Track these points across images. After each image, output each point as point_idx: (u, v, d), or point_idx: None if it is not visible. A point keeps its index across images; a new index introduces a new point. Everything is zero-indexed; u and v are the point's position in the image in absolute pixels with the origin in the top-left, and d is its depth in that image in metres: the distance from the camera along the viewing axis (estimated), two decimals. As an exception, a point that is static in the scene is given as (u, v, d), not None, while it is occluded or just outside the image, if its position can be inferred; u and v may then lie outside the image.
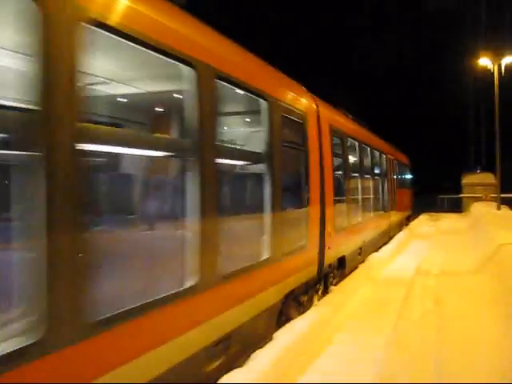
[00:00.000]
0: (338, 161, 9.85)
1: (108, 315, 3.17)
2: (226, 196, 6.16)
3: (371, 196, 13.32)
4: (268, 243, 5.88)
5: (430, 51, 57.26)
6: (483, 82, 28.45)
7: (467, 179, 36.59)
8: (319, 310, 7.05)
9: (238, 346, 5.04)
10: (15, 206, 3.01)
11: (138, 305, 3.46)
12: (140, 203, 5.54)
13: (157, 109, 6.70)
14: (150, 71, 5.19)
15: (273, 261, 5.93)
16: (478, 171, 40.67)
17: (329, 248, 8.41)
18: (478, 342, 5.77)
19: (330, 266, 8.85)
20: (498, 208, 23.00)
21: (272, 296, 6.03)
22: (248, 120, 8.20)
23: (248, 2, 45.88)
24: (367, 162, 12.56)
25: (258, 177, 6.03)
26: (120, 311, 3.29)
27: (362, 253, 11.72)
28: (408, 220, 23.20)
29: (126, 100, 6.09)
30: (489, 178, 34.20)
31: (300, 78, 8.01)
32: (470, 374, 4.92)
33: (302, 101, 7.55)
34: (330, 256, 8.69)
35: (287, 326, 6.11)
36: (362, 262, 11.44)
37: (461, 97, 47.61)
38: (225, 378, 4.42)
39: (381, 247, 13.94)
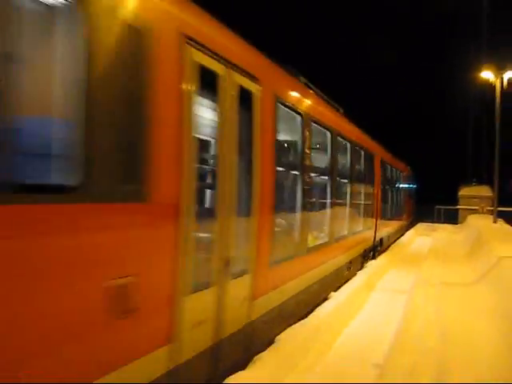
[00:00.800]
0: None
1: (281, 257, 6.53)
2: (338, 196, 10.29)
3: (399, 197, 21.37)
4: (357, 223, 12.07)
5: (432, 63, 57.58)
6: (485, 95, 28.51)
7: (464, 191, 36.75)
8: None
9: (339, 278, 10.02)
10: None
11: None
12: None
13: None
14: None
15: (359, 233, 12.29)
16: (474, 183, 40.85)
17: (377, 231, 15.02)
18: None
19: (376, 241, 15.35)
20: (495, 221, 23.09)
21: (357, 252, 12.20)
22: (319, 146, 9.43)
23: None
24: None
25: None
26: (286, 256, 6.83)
27: (390, 238, 18.67)
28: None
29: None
30: (485, 190, 34.37)
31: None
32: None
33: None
34: (378, 236, 15.38)
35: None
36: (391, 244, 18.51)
37: (462, 110, 47.83)
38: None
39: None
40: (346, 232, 10.60)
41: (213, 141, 5.18)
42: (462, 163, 49.71)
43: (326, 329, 6.77)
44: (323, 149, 9.43)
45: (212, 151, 5.34)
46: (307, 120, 7.63)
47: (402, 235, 22.68)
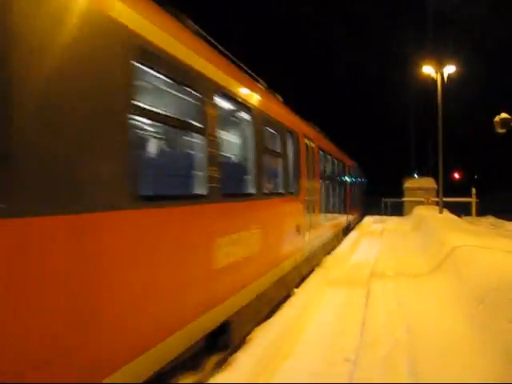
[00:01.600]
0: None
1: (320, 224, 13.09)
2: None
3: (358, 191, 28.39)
4: (341, 210, 18.67)
5: (374, 60, 59.13)
6: (427, 88, 29.29)
7: (409, 183, 37.79)
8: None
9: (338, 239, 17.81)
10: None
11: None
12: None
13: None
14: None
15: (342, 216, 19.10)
16: (416, 176, 42.02)
17: (348, 216, 21.69)
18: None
19: (348, 223, 21.77)
20: (441, 211, 23.77)
21: (342, 226, 19.34)
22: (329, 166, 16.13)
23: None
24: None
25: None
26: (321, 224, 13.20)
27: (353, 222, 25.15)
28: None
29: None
30: (430, 182, 35.47)
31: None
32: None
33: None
34: (348, 220, 21.84)
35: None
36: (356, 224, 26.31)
37: (404, 104, 49.28)
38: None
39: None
40: (339, 216, 18.08)
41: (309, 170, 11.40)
42: (405, 156, 51.15)
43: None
44: (330, 167, 16.17)
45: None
46: (326, 155, 14.93)
47: (360, 221, 29.37)
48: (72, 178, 3.08)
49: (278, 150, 8.71)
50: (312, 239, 11.32)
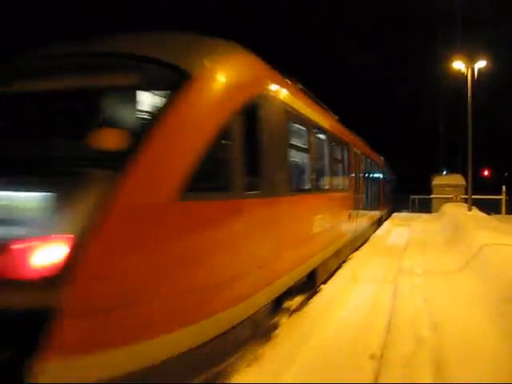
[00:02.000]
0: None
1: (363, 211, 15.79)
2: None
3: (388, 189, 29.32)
4: (376, 204, 20.47)
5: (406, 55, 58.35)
6: (457, 85, 28.86)
7: (437, 180, 37.25)
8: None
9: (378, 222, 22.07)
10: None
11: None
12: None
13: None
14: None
15: (377, 209, 20.91)
16: (445, 173, 41.43)
17: (382, 210, 23.42)
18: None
19: (381, 215, 23.28)
20: (469, 209, 23.48)
21: (380, 216, 22.42)
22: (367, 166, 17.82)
23: None
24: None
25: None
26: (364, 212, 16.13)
27: (386, 215, 27.06)
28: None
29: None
30: (459, 179, 34.93)
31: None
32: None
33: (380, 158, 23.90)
34: (381, 213, 23.19)
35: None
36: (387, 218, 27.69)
37: (434, 100, 48.51)
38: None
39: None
40: (375, 209, 20.06)
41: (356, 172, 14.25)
42: (434, 153, 50.44)
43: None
44: (369, 168, 18.36)
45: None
46: (367, 158, 17.33)
47: (390, 216, 30.24)
48: (278, 180, 6.20)
49: (340, 158, 11.73)
50: (358, 224, 14.18)
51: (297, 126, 7.81)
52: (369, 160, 18.19)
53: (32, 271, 3.37)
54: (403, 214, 32.77)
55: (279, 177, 6.23)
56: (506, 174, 52.93)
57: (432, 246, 15.07)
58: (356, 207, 13.53)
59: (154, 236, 3.85)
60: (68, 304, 3.27)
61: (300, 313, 7.37)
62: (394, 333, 6.44)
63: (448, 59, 24.47)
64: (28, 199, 3.69)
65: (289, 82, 7.79)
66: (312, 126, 8.55)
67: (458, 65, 23.04)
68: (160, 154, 4.01)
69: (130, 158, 3.78)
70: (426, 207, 36.61)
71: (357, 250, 14.32)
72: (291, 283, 6.90)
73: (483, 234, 12.13)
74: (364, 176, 16.30)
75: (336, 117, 12.35)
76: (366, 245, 15.81)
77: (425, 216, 30.32)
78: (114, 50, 4.86)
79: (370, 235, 18.17)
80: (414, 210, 37.24)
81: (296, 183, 7.90)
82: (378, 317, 7.39)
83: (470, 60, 22.81)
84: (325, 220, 9.20)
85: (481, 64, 22.71)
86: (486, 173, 45.48)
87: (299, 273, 7.33)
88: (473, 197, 24.42)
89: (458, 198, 33.02)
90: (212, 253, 4.48)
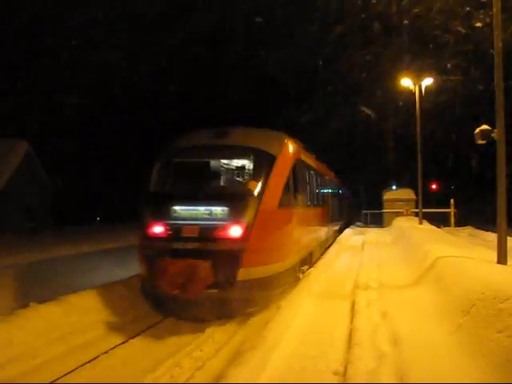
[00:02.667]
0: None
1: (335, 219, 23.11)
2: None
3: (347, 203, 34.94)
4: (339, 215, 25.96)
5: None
6: (404, 101, 29.65)
7: (388, 195, 38.14)
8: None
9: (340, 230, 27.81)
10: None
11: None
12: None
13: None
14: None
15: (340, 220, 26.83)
16: (394, 187, 42.41)
17: (344, 220, 30.62)
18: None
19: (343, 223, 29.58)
20: (421, 222, 24.02)
21: (340, 224, 27.01)
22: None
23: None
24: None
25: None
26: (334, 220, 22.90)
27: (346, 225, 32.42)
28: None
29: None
30: (408, 193, 35.83)
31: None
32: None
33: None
34: (342, 223, 28.70)
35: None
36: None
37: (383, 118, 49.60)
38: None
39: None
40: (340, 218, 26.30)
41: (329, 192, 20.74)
42: (384, 168, 51.54)
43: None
44: (335, 188, 23.83)
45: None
46: (333, 182, 22.91)
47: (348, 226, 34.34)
48: (304, 199, 12.12)
49: (320, 184, 16.59)
50: (330, 228, 19.99)
51: (307, 170, 13.22)
52: (334, 183, 24.30)
53: (231, 236, 8.66)
54: (357, 229, 33.29)
55: (304, 198, 12.10)
56: (453, 187, 54.61)
57: (387, 260, 15.23)
58: (330, 216, 19.54)
59: (273, 222, 9.36)
60: (246, 248, 8.56)
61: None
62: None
63: (396, 77, 25.09)
64: (219, 209, 8.93)
65: (303, 146, 13.42)
66: (312, 169, 14.26)
67: (406, 82, 23.67)
68: (271, 191, 9.29)
69: (261, 192, 9.11)
70: (378, 222, 37.33)
71: (328, 247, 19.02)
72: (305, 255, 12.40)
73: (436, 247, 12.34)
74: (332, 195, 21.87)
75: (315, 156, 16.86)
76: (334, 245, 20.33)
77: (377, 230, 30.85)
78: (241, 144, 10.05)
79: (336, 237, 23.52)
80: (366, 225, 37.90)
81: (308, 200, 13.20)
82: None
83: (417, 77, 23.50)
84: (317, 221, 15.05)
85: (428, 81, 23.43)
86: (433, 186, 46.74)
87: (307, 250, 12.85)
88: (423, 210, 24.99)
89: (409, 212, 33.84)
90: (289, 229, 10.18)
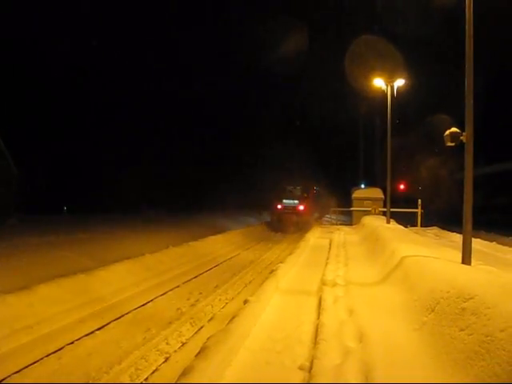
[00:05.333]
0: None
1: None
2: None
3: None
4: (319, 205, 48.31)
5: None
6: (376, 102, 29.95)
7: (357, 193, 38.47)
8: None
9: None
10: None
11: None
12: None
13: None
14: None
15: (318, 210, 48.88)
16: (363, 186, 42.95)
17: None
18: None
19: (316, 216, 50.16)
20: (388, 222, 24.33)
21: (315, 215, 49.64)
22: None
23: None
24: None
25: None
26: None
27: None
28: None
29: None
30: (377, 192, 36.28)
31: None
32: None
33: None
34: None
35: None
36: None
37: (353, 119, 50.34)
38: None
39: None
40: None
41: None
42: (354, 167, 52.11)
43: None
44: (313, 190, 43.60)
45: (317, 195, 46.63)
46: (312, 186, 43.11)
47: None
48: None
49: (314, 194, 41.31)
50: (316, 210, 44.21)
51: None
52: (312, 187, 39.49)
53: (299, 209, 35.22)
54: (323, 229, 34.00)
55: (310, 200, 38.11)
56: (420, 187, 55.51)
57: (354, 257, 15.40)
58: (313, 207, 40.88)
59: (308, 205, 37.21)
60: (300, 212, 35.18)
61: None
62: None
63: (368, 78, 25.26)
64: (296, 201, 35.91)
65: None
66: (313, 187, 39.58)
67: (379, 82, 23.89)
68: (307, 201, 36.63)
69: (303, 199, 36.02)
70: (346, 219, 37.76)
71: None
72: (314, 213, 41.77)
73: (403, 246, 12.50)
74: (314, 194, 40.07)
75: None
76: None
77: (345, 228, 31.21)
78: (299, 186, 36.64)
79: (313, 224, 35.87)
80: (334, 223, 38.27)
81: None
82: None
83: (389, 78, 23.74)
84: (315, 207, 41.51)
85: (399, 82, 23.69)
86: (402, 186, 47.48)
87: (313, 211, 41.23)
88: (391, 210, 25.32)
89: (377, 211, 34.27)
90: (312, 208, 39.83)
